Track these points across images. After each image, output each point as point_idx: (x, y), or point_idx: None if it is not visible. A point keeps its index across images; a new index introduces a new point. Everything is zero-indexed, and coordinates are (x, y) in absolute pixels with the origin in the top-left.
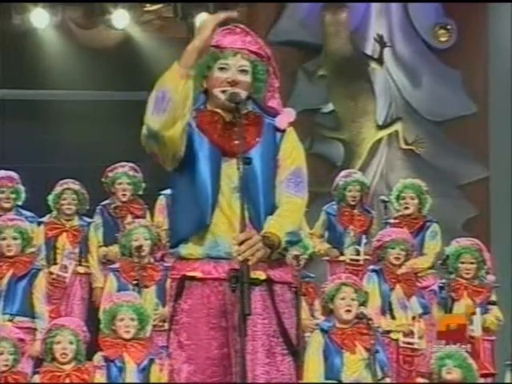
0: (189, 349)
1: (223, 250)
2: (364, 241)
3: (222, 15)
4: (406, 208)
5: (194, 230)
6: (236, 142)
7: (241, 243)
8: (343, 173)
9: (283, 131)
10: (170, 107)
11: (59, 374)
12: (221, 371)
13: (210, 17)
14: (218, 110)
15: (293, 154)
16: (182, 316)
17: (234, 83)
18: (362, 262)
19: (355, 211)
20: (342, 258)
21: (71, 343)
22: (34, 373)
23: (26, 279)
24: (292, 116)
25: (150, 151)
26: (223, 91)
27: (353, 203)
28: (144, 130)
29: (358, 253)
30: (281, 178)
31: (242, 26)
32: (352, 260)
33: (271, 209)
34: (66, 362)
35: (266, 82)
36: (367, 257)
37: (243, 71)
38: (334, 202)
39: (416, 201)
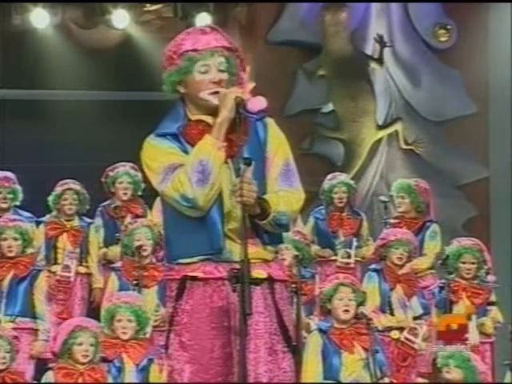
0: (191, 349)
1: (224, 255)
2: (355, 244)
3: (241, 90)
4: (399, 207)
5: (203, 253)
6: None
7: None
8: (329, 176)
9: (263, 122)
10: (211, 178)
11: (73, 372)
12: (224, 371)
13: (230, 90)
14: (202, 118)
15: (280, 148)
16: (183, 316)
17: (220, 82)
18: (352, 265)
19: (344, 214)
20: (333, 258)
21: (92, 345)
22: (46, 369)
23: (27, 280)
24: (263, 104)
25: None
26: (213, 93)
27: (340, 205)
28: (177, 197)
29: (348, 256)
30: (273, 175)
31: (210, 24)
32: (342, 263)
33: None
34: (86, 363)
35: (236, 75)
36: (358, 259)
37: (222, 70)
38: (321, 207)
39: (407, 200)
